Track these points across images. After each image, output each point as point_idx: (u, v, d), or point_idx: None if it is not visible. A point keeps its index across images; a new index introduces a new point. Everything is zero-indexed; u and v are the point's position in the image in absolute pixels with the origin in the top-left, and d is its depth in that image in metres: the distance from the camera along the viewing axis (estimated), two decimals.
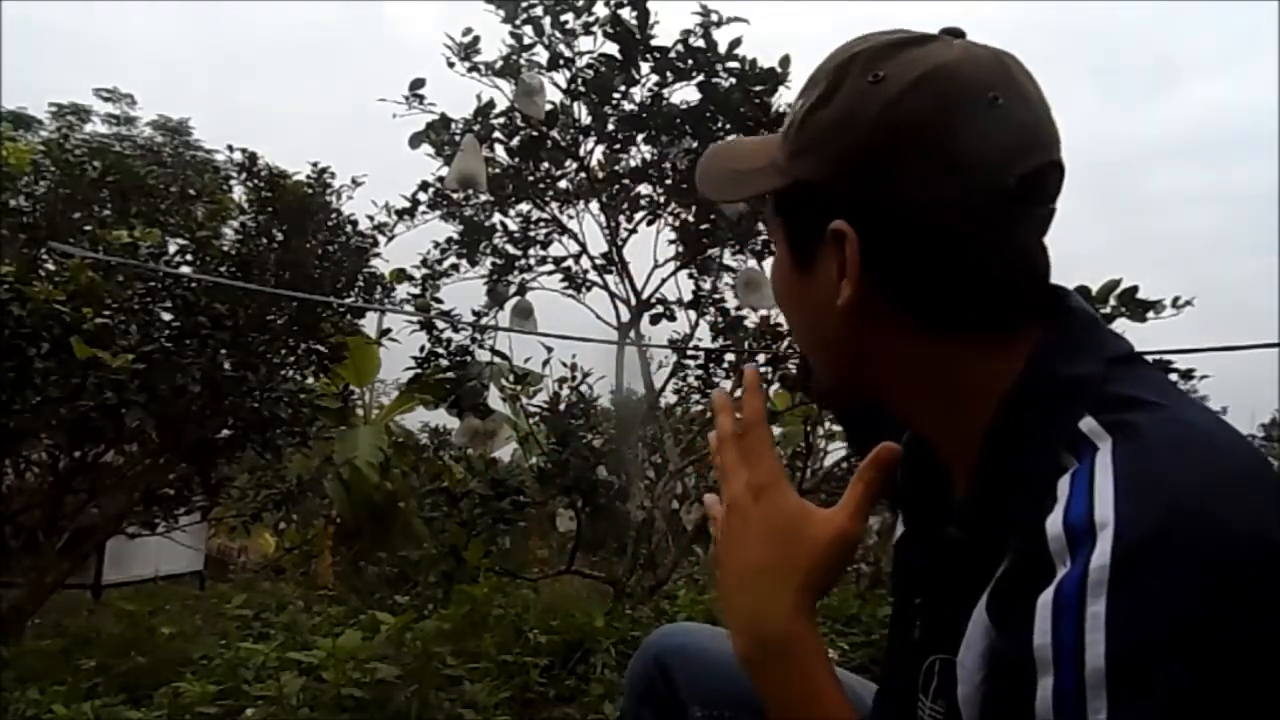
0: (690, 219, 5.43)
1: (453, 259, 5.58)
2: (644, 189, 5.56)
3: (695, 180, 0.78)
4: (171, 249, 4.97)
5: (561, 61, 4.98)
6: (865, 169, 0.64)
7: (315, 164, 5.36)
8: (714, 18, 4.74)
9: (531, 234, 5.84)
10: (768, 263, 5.16)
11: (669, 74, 4.86)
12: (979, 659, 0.62)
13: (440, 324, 5.06)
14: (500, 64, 5.07)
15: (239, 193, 5.44)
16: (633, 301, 5.64)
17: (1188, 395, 0.67)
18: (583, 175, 5.49)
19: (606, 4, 4.78)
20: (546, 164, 5.54)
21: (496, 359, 5.15)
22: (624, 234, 5.66)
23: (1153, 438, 0.56)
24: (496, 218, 5.75)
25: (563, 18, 4.90)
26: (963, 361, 0.66)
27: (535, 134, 5.18)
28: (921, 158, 0.62)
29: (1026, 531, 0.57)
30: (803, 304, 0.73)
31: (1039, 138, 0.64)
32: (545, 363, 4.92)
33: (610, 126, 5.18)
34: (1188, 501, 0.52)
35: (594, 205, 5.66)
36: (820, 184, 0.66)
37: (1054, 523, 0.55)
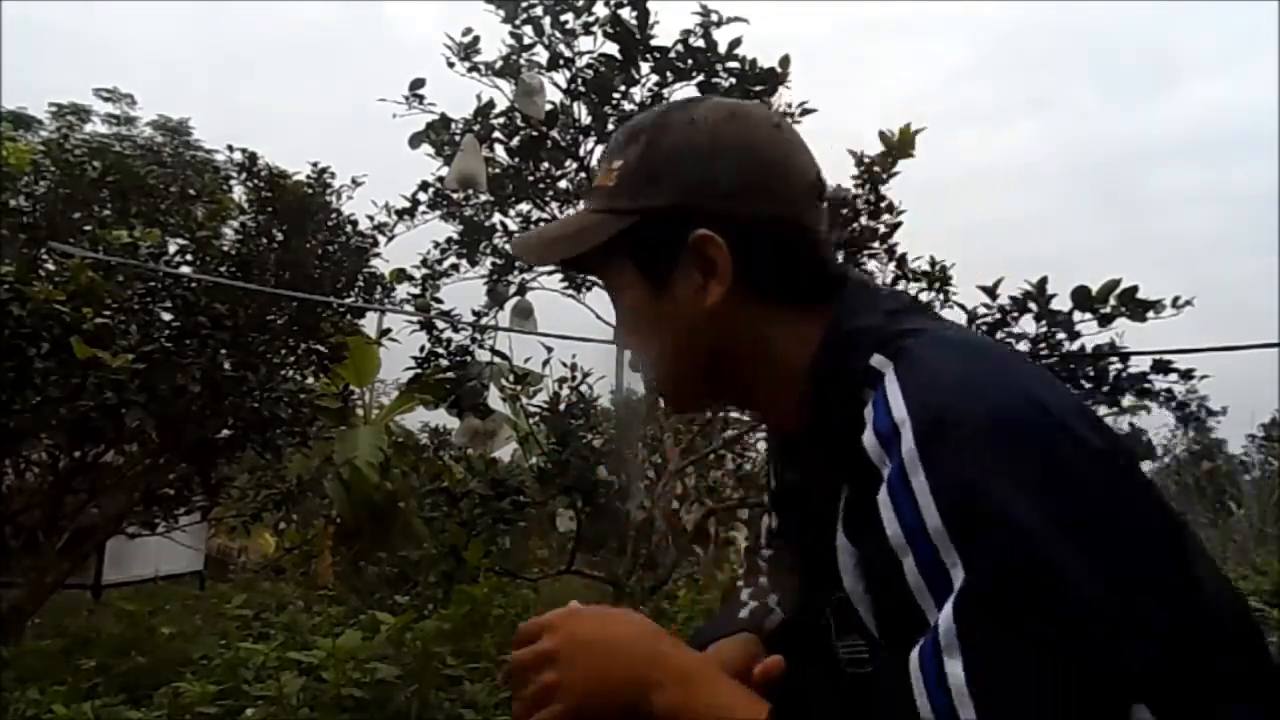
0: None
1: (453, 259, 5.58)
2: None
3: (519, 256, 0.87)
4: (171, 249, 4.97)
5: (561, 61, 4.98)
6: (710, 185, 0.77)
7: (315, 164, 5.36)
8: (714, 18, 4.74)
9: None
10: None
11: (669, 74, 4.86)
12: (855, 576, 0.72)
13: (440, 324, 5.06)
14: (500, 64, 5.07)
15: (239, 193, 5.44)
16: None
17: (956, 324, 0.83)
18: (583, 175, 5.49)
19: (606, 4, 4.78)
20: (546, 164, 5.54)
21: (496, 359, 5.15)
22: None
23: (923, 352, 0.69)
24: (496, 218, 5.75)
25: (563, 18, 4.90)
26: (793, 334, 0.79)
27: (535, 134, 5.18)
28: (749, 168, 0.78)
29: (851, 458, 0.68)
30: (664, 325, 0.81)
31: (809, 152, 0.82)
32: (545, 363, 4.92)
33: (610, 126, 5.18)
34: (961, 380, 0.65)
35: None
36: (673, 206, 0.78)
37: (868, 438, 0.67)
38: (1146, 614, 0.57)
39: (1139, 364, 4.05)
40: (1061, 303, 4.04)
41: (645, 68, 4.89)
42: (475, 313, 5.48)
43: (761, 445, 8.41)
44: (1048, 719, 0.56)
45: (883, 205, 4.56)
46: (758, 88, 4.73)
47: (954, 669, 0.58)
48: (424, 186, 5.59)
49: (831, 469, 0.74)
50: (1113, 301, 3.84)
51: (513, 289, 5.65)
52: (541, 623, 0.75)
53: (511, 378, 5.05)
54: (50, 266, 4.58)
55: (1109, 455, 0.62)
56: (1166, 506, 0.64)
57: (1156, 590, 0.59)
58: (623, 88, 4.98)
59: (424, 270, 5.47)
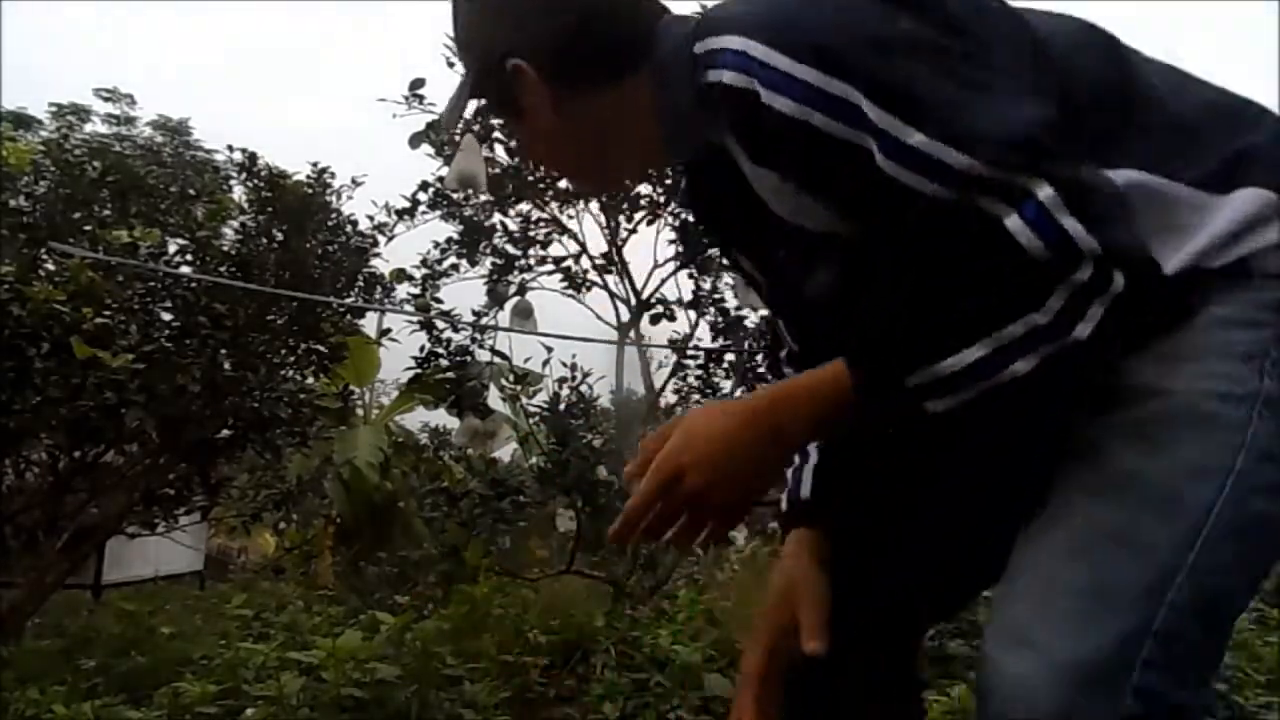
0: (690, 219, 5.43)
1: (453, 259, 5.57)
2: (644, 189, 5.56)
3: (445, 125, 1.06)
4: (171, 249, 4.96)
5: None
6: (501, 33, 0.89)
7: (315, 164, 5.35)
8: None
9: (531, 234, 5.84)
10: None
11: None
12: (788, 191, 0.81)
13: (440, 324, 5.06)
14: None
15: (239, 193, 5.44)
16: (633, 301, 5.64)
17: None
18: None
19: None
20: None
21: (496, 359, 5.15)
22: (624, 234, 5.66)
23: (720, 12, 0.81)
24: (496, 218, 5.75)
25: None
26: (636, 98, 0.88)
27: None
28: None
29: (724, 118, 0.80)
30: (543, 142, 0.96)
31: None
32: (545, 363, 4.91)
33: None
34: None
35: (594, 205, 5.66)
36: (483, 67, 0.91)
37: (727, 77, 0.77)
38: (1006, 63, 0.74)
39: None
40: None
41: None
42: (475, 313, 5.48)
43: None
44: (990, 108, 0.70)
45: None
46: None
47: (916, 138, 0.70)
48: (424, 186, 5.59)
49: (715, 145, 0.85)
50: None
51: (513, 289, 5.65)
52: (669, 470, 0.78)
53: (511, 378, 5.04)
54: (50, 266, 4.58)
55: None
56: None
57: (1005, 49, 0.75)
58: None
59: (424, 270, 5.46)
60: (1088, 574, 0.69)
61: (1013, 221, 0.68)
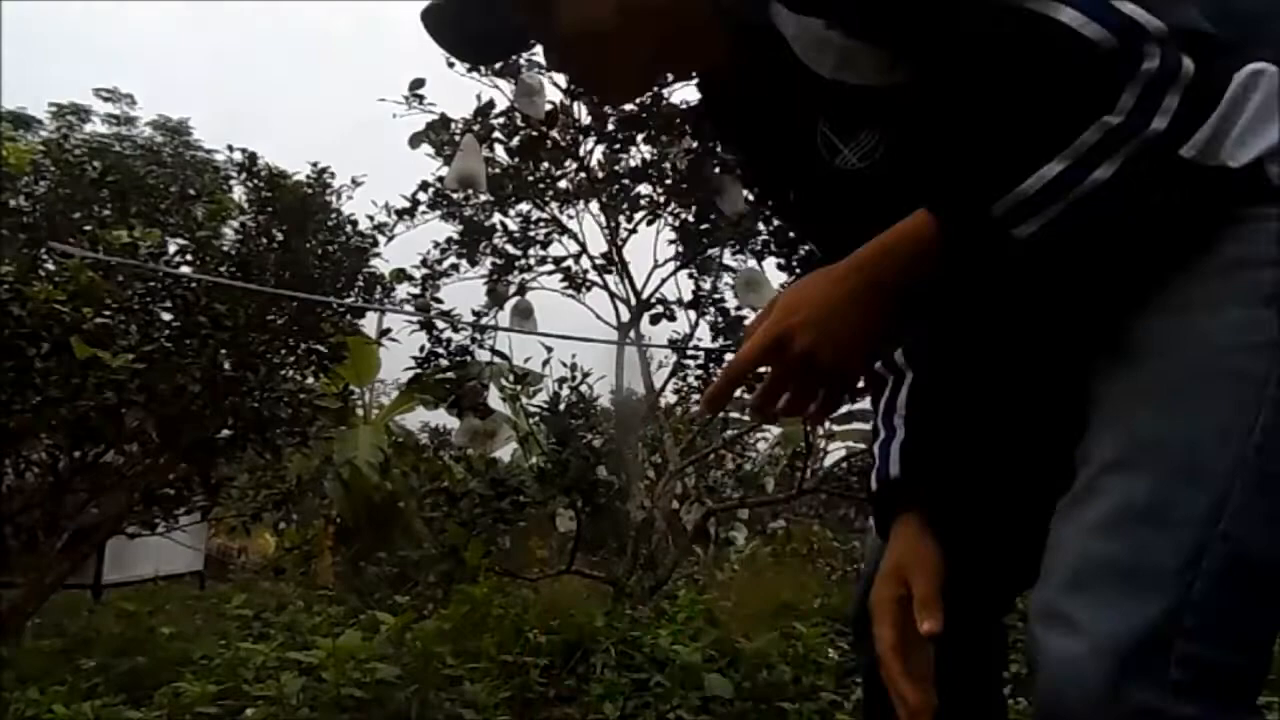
0: (690, 219, 5.43)
1: (453, 259, 5.58)
2: (644, 189, 5.56)
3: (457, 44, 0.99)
4: (171, 249, 4.96)
5: None
6: None
7: (315, 164, 5.36)
8: None
9: (531, 234, 5.84)
10: (768, 262, 5.17)
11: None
12: (832, 37, 0.79)
13: (440, 324, 5.06)
14: (500, 64, 5.07)
15: (239, 193, 5.44)
16: (633, 301, 5.63)
17: None
18: (583, 175, 5.49)
19: None
20: (546, 164, 5.54)
21: (496, 359, 5.15)
22: (624, 234, 5.65)
23: None
24: (496, 218, 5.75)
25: None
26: None
27: (535, 134, 5.17)
28: None
29: None
30: (603, 9, 0.85)
31: None
32: (545, 363, 4.91)
33: (610, 126, 5.17)
34: None
35: (594, 205, 5.66)
36: None
37: None
38: None
39: None
40: None
41: None
42: (475, 313, 5.48)
43: (761, 446, 8.40)
44: None
45: None
46: None
47: None
48: (424, 186, 5.59)
49: (757, 26, 0.83)
50: None
51: (513, 289, 5.65)
52: (777, 331, 0.77)
53: (511, 378, 5.04)
54: (50, 266, 4.57)
55: None
56: None
57: None
58: None
59: (424, 270, 5.47)
60: (1119, 551, 0.68)
61: (1068, 14, 0.67)
